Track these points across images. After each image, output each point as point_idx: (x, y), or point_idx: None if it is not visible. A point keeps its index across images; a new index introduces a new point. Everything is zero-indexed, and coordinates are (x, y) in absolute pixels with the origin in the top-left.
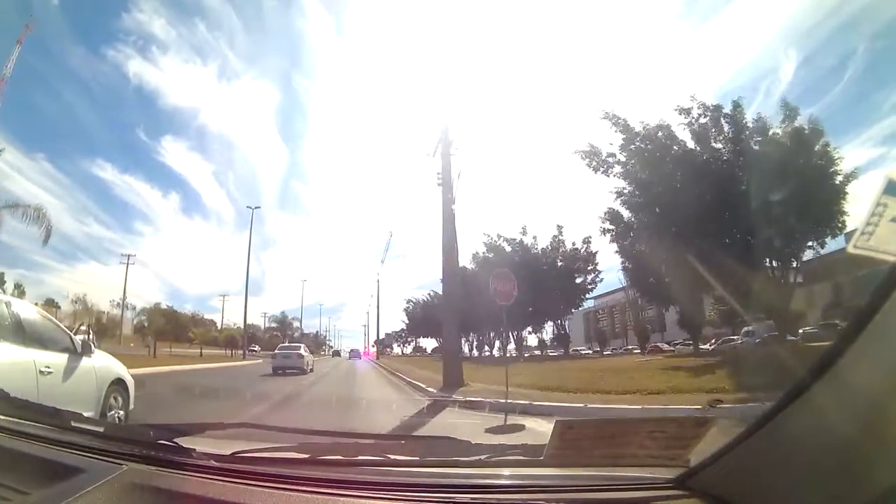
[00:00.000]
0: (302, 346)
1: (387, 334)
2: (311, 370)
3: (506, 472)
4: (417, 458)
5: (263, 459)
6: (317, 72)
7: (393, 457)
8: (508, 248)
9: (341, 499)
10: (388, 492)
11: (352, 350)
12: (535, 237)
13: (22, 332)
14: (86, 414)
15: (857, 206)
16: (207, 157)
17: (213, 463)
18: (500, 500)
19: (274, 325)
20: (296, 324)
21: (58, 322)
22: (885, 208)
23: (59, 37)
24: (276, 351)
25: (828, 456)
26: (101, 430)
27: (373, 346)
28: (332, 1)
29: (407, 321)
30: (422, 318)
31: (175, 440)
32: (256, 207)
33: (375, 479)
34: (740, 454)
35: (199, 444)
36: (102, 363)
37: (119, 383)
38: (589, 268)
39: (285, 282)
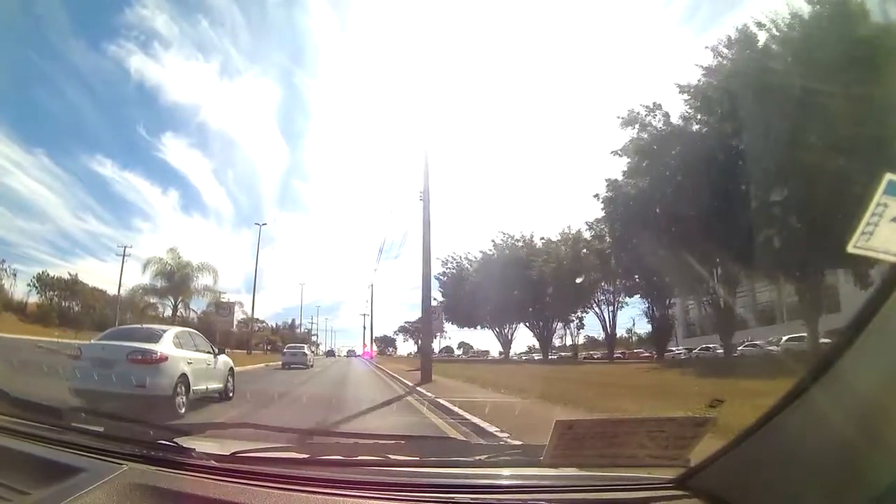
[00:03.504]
0: (305, 346)
1: (408, 323)
2: (312, 365)
3: (505, 472)
4: (417, 458)
5: (263, 459)
6: (320, 70)
7: (393, 457)
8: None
9: (341, 499)
10: (388, 492)
11: (349, 350)
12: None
13: (198, 346)
14: (213, 386)
15: None
16: (208, 154)
17: (213, 463)
18: (499, 500)
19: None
20: (236, 301)
21: (206, 339)
22: (885, 208)
23: (60, 31)
24: (284, 350)
25: (827, 456)
26: (101, 429)
27: (373, 344)
28: None
29: (442, 300)
30: (475, 293)
31: (175, 440)
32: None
33: (375, 479)
34: (740, 454)
35: (199, 444)
36: (225, 359)
37: (231, 371)
38: None
39: (284, 281)
